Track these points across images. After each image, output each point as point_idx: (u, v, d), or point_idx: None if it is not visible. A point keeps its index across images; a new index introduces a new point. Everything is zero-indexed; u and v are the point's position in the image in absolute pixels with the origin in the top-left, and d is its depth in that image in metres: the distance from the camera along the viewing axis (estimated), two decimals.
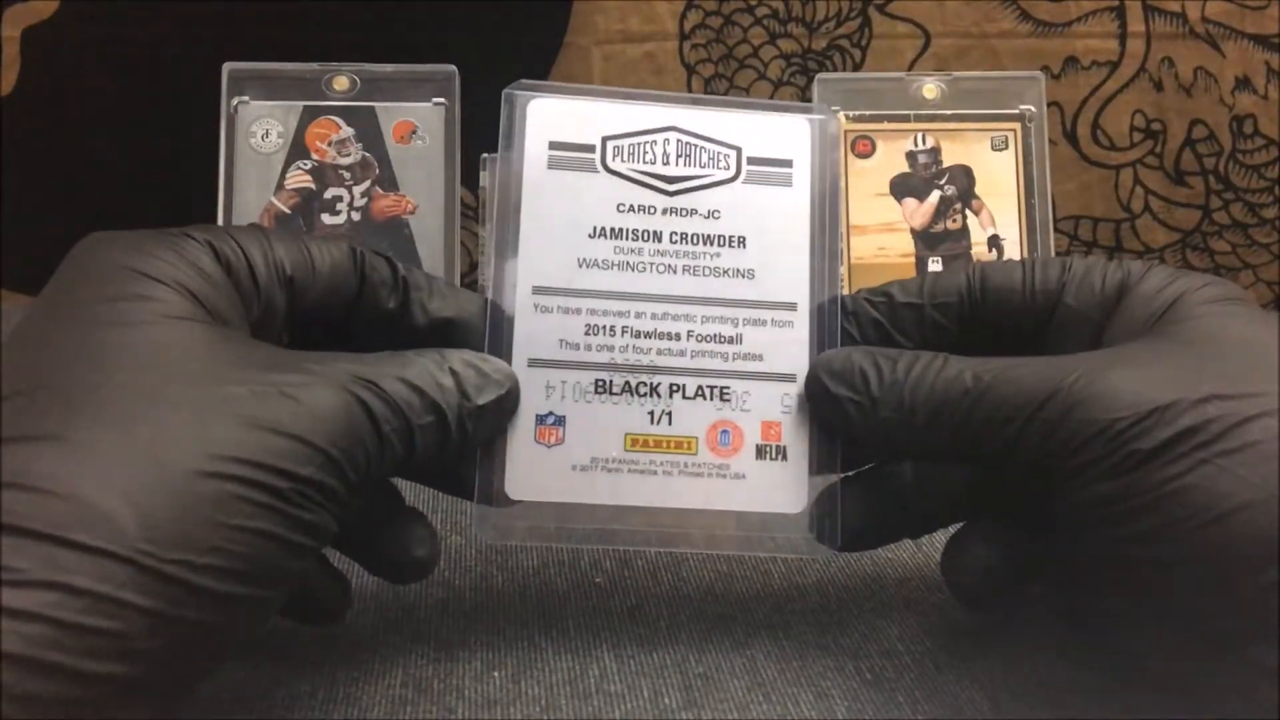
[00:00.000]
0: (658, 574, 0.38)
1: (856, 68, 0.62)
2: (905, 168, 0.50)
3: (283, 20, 0.59)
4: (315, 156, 0.51)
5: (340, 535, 0.30)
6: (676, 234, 0.34)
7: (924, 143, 0.50)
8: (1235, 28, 0.60)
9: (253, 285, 0.30)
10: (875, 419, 0.31)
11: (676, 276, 0.34)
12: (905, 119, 0.51)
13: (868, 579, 0.38)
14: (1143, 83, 0.61)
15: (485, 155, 0.53)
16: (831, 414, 0.32)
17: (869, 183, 0.50)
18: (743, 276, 0.34)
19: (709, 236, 0.34)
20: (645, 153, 0.34)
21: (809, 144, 0.35)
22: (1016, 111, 0.51)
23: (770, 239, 0.34)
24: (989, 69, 0.60)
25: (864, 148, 0.51)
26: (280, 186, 0.51)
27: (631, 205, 0.34)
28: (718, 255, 0.34)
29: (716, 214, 0.34)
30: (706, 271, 0.34)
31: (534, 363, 0.33)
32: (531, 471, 0.32)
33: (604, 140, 0.34)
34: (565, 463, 0.32)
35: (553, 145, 0.34)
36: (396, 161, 0.52)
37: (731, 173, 0.35)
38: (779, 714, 0.31)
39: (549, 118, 0.34)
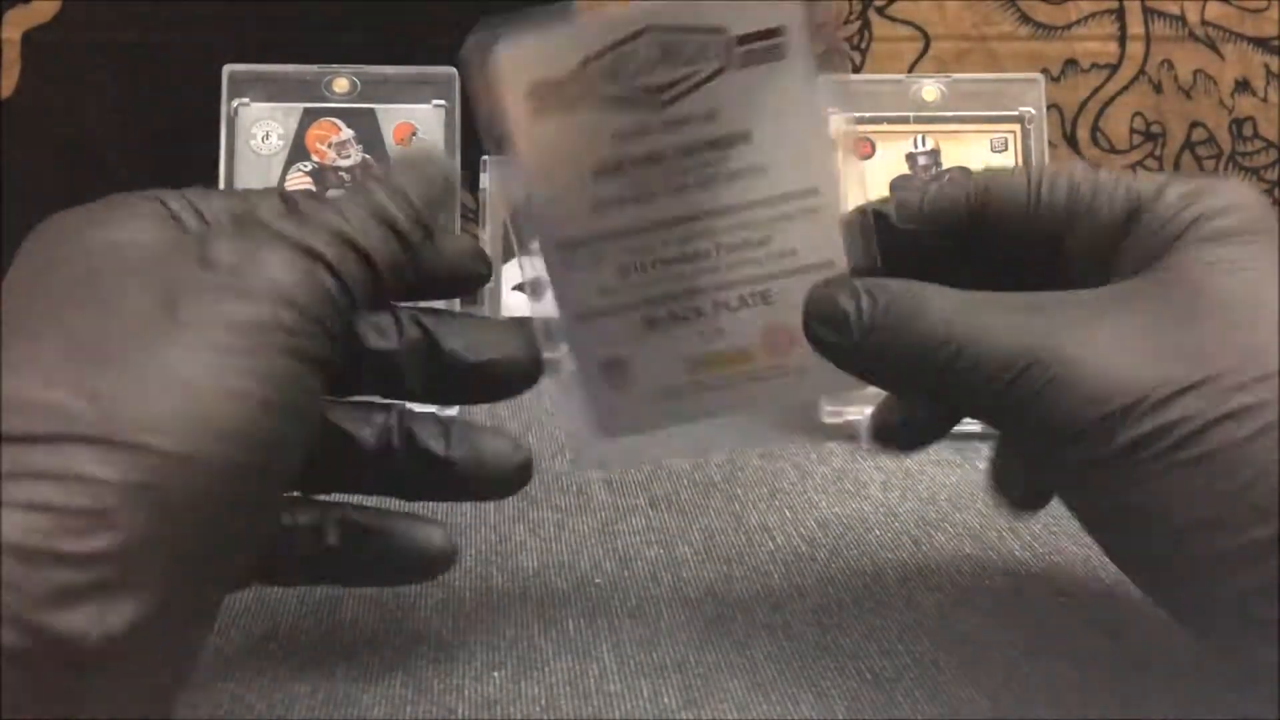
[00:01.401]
0: (658, 574, 0.38)
1: (856, 70, 0.62)
2: (905, 169, 0.51)
3: (283, 22, 0.59)
4: (315, 158, 0.51)
5: (349, 567, 0.31)
6: (679, 148, 0.32)
7: (924, 144, 0.51)
8: (1234, 30, 0.60)
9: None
10: (862, 363, 0.31)
11: (690, 193, 0.33)
12: (905, 121, 0.51)
13: (868, 579, 0.38)
14: (1142, 85, 0.61)
15: (485, 157, 0.54)
16: (826, 355, 0.31)
17: (869, 184, 0.50)
18: (756, 174, 0.33)
19: (712, 141, 0.32)
20: (627, 65, 0.32)
21: (799, 7, 0.32)
22: (1016, 113, 0.51)
23: (774, 124, 0.32)
24: (989, 71, 0.60)
25: (864, 149, 0.51)
26: (280, 186, 0.51)
27: (627, 132, 0.32)
28: (725, 159, 0.33)
29: (714, 114, 0.32)
30: (719, 179, 0.33)
31: (582, 317, 0.33)
32: (609, 413, 0.33)
33: (584, 63, 0.32)
34: (637, 400, 0.33)
35: (532, 90, 0.32)
36: None
37: (720, 61, 0.32)
38: (779, 714, 0.31)
39: (524, 61, 0.32)
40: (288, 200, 0.30)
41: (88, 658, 0.22)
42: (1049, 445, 0.27)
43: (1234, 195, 0.29)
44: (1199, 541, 0.25)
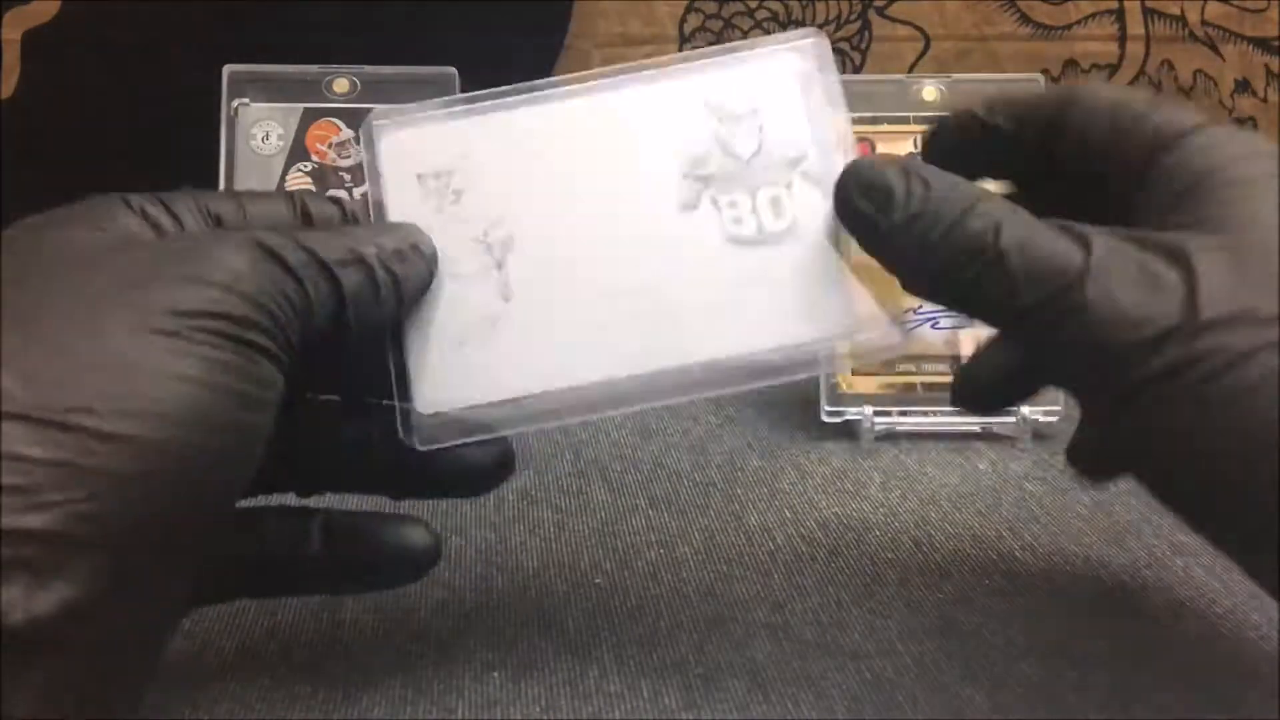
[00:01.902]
0: (658, 574, 0.38)
1: (856, 70, 0.62)
2: None
3: (283, 22, 0.59)
4: (315, 158, 0.51)
5: (329, 576, 0.31)
6: None
7: None
8: (1234, 30, 0.60)
9: None
10: (894, 249, 0.29)
11: None
12: (905, 121, 0.51)
13: (868, 579, 0.38)
14: (1142, 85, 0.61)
15: None
16: (856, 232, 0.30)
17: None
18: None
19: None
20: None
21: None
22: None
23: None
24: (989, 72, 0.60)
25: (864, 150, 0.51)
26: (280, 189, 0.51)
27: None
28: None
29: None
30: None
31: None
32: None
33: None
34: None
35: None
36: None
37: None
38: (779, 714, 0.31)
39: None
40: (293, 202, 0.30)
41: (19, 639, 0.21)
42: (1083, 366, 0.27)
43: (1251, 144, 0.29)
44: (1236, 469, 0.25)
